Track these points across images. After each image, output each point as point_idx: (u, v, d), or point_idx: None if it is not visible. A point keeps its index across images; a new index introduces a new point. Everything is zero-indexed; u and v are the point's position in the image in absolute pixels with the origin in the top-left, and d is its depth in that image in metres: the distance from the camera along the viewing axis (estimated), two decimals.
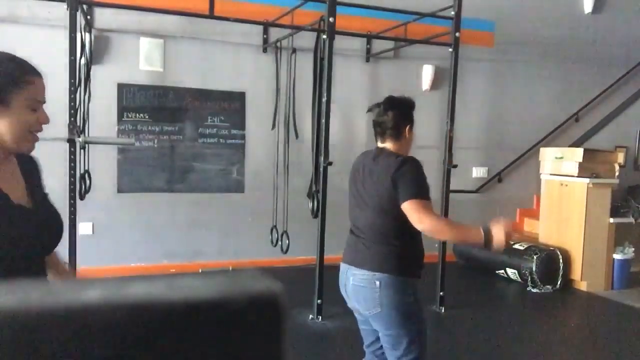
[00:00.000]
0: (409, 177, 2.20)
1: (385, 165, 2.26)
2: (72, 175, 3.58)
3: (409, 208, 2.16)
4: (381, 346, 2.36)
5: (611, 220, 5.39)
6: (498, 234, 2.09)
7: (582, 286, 5.34)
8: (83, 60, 4.16)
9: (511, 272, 5.42)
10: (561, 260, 5.27)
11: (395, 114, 2.35)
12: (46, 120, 1.35)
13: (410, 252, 2.29)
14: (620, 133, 6.98)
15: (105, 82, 4.87)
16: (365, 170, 2.37)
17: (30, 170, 1.43)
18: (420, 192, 2.21)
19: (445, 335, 4.12)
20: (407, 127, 2.37)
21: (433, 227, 2.17)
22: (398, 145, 2.36)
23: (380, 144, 2.42)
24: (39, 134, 1.35)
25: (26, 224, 1.32)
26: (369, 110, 2.50)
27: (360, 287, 2.26)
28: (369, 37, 5.57)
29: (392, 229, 2.25)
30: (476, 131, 6.36)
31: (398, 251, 2.24)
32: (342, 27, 4.23)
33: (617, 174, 5.54)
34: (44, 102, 1.35)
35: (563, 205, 5.58)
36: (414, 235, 2.26)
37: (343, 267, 2.37)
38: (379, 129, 2.39)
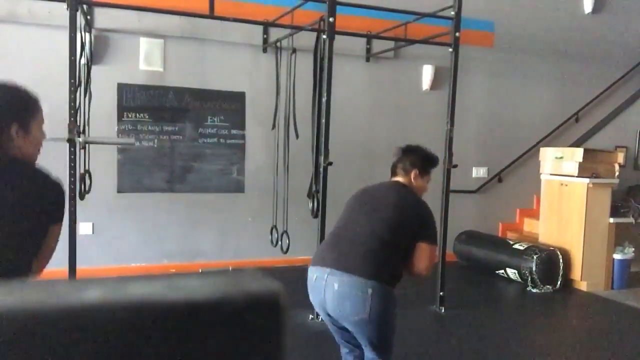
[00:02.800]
0: (432, 222, 2.47)
1: (412, 199, 2.51)
2: (72, 175, 3.58)
3: (424, 250, 2.40)
4: (354, 337, 2.47)
5: (611, 220, 5.39)
6: None
7: (582, 286, 5.34)
8: (83, 60, 4.16)
9: (511, 272, 5.42)
10: (561, 260, 5.27)
11: (410, 158, 2.62)
12: (45, 135, 1.71)
13: (400, 272, 2.43)
14: (620, 133, 6.98)
15: (105, 82, 4.87)
16: (383, 190, 2.56)
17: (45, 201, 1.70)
18: (436, 239, 2.50)
19: (445, 335, 4.12)
20: (415, 171, 2.59)
21: (424, 276, 2.48)
22: (407, 182, 2.59)
23: (393, 178, 2.64)
24: None
25: None
26: (395, 154, 2.71)
27: (346, 293, 2.27)
28: (369, 37, 5.56)
29: (398, 249, 2.38)
30: (476, 131, 6.36)
31: (392, 267, 2.38)
32: (342, 27, 4.23)
33: (617, 174, 5.54)
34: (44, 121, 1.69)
35: (563, 205, 5.58)
36: (406, 261, 2.44)
37: (321, 271, 2.36)
38: (393, 168, 2.66)
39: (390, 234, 2.34)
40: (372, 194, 2.56)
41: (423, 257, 2.39)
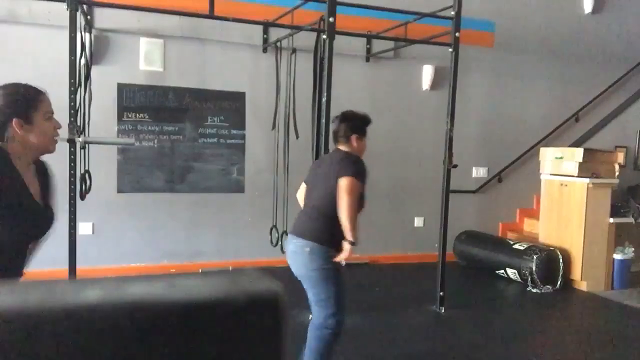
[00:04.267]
0: (351, 163, 2.77)
1: (337, 158, 2.87)
2: (72, 175, 3.58)
3: (342, 184, 2.68)
4: None
5: (611, 220, 5.39)
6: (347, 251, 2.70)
7: (582, 286, 5.34)
8: (83, 60, 4.16)
9: (511, 272, 5.42)
10: (561, 260, 5.27)
11: (346, 125, 2.93)
12: (59, 125, 1.80)
13: (339, 230, 2.71)
14: (620, 133, 6.98)
15: (105, 82, 4.87)
16: (322, 162, 3.07)
17: (45, 177, 1.86)
18: (358, 175, 2.72)
19: (445, 335, 4.12)
20: (355, 136, 2.92)
21: (346, 200, 2.65)
22: (350, 149, 2.92)
23: (336, 146, 3.00)
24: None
25: (36, 218, 1.76)
26: (332, 121, 3.08)
27: (294, 252, 2.81)
28: (369, 37, 5.56)
29: (331, 210, 2.73)
30: (476, 131, 6.36)
31: (329, 227, 2.73)
32: (342, 27, 4.23)
33: (617, 174, 5.54)
34: (53, 112, 1.78)
35: (563, 205, 5.58)
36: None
37: (289, 235, 2.96)
38: (334, 136, 2.99)
39: (320, 200, 2.81)
40: (319, 167, 3.04)
41: (341, 195, 2.67)
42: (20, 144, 1.70)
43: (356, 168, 2.75)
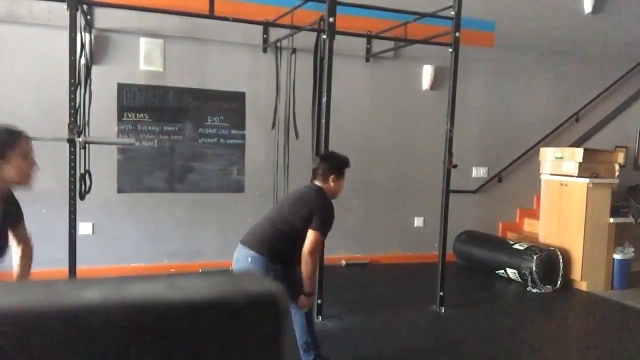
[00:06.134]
0: (324, 215, 2.92)
1: (311, 195, 2.99)
2: (72, 175, 3.57)
3: (311, 235, 2.86)
4: None
5: (611, 220, 5.39)
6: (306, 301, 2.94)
7: (582, 286, 5.34)
8: (83, 60, 4.15)
9: (511, 272, 5.42)
10: (561, 260, 5.27)
11: (326, 165, 3.07)
12: (34, 164, 2.03)
13: (283, 252, 2.90)
14: (620, 133, 6.98)
15: (105, 82, 4.87)
16: (298, 191, 3.14)
17: (11, 211, 2.08)
18: (324, 228, 2.91)
19: (445, 335, 4.12)
20: (332, 176, 3.04)
21: (308, 261, 2.85)
22: (326, 186, 3.04)
23: (314, 181, 3.12)
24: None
25: None
26: (314, 161, 3.28)
27: (237, 261, 2.93)
28: (369, 37, 5.56)
29: (286, 233, 2.91)
30: (476, 131, 6.36)
31: (276, 242, 2.90)
32: (342, 27, 4.23)
33: (617, 174, 5.54)
34: (31, 151, 2.02)
35: (563, 205, 5.58)
36: (294, 246, 2.88)
37: (239, 244, 3.01)
38: (313, 174, 3.12)
39: (283, 222, 2.93)
40: (292, 192, 3.19)
41: (308, 243, 2.85)
42: None
43: (324, 217, 2.92)
